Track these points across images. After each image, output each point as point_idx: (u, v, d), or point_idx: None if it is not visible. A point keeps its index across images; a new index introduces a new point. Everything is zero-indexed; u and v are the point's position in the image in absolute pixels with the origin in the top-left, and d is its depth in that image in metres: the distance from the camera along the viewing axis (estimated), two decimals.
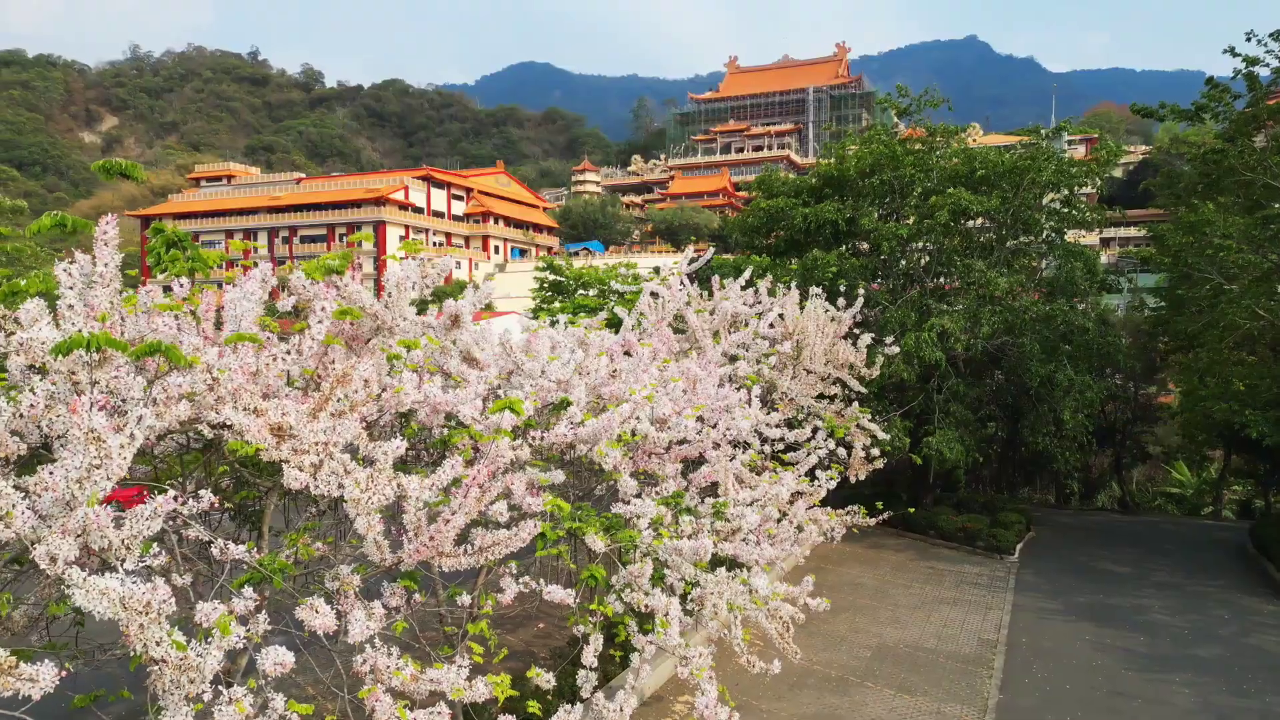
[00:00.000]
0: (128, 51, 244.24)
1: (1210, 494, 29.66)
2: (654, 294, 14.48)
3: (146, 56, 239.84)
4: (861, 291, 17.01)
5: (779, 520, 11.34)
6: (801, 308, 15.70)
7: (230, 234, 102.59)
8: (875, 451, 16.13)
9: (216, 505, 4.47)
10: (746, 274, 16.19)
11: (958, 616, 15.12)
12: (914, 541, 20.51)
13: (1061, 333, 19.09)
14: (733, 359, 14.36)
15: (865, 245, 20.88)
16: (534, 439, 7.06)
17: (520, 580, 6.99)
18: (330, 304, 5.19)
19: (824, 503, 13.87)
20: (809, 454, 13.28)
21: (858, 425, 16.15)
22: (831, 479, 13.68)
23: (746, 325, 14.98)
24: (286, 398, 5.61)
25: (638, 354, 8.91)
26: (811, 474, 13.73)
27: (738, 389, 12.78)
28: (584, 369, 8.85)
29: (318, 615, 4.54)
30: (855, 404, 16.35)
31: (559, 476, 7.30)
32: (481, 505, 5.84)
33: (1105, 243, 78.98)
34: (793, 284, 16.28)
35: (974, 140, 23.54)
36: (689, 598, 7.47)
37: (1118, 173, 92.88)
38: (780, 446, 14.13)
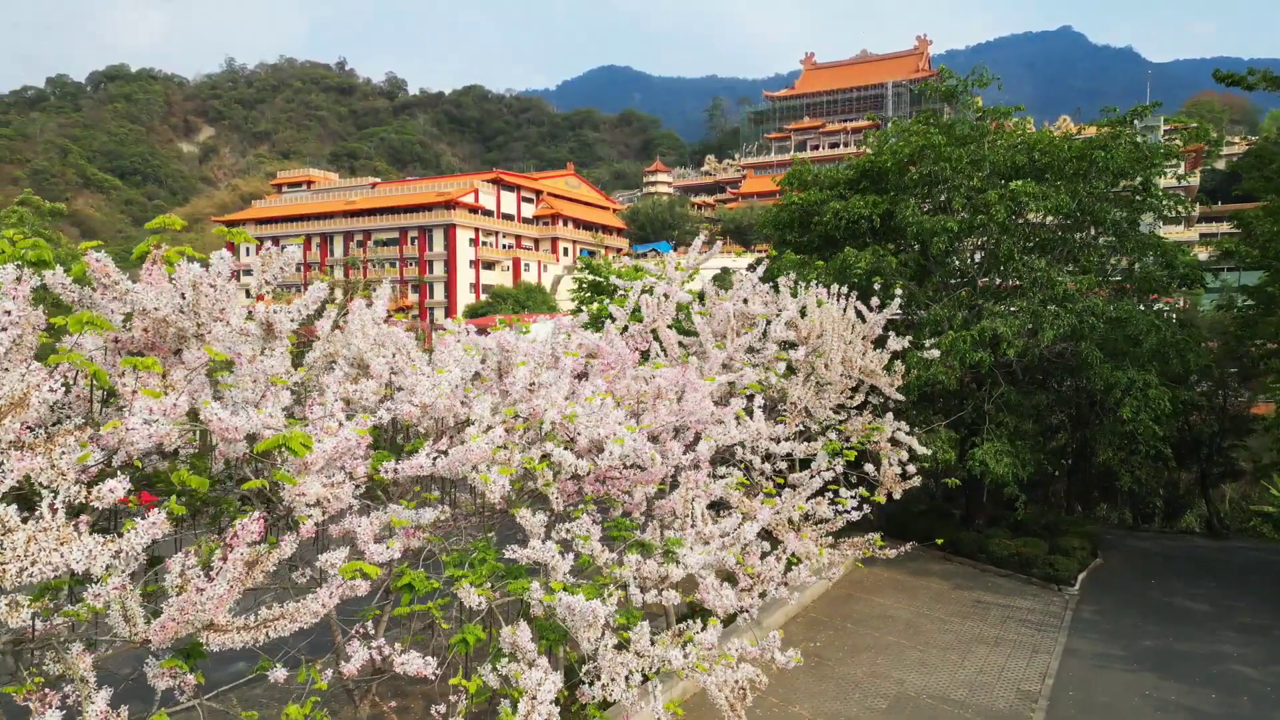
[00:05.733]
0: (224, 64, 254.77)
1: None
2: (649, 290, 13.04)
3: (241, 69, 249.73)
4: (899, 291, 15.22)
5: (764, 556, 9.83)
6: (821, 305, 14.10)
7: (309, 238, 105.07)
8: (912, 469, 14.39)
9: None
10: (759, 270, 14.68)
11: (997, 660, 13.25)
12: (961, 567, 18.52)
13: (1130, 336, 16.79)
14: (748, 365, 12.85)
15: (916, 245, 18.91)
16: (386, 471, 5.79)
17: (373, 645, 5.74)
18: (20, 305, 4.03)
19: (857, 523, 12.35)
20: (813, 476, 11.71)
21: (890, 439, 14.46)
22: (843, 504, 12.12)
23: (756, 327, 13.44)
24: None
25: (563, 364, 7.55)
26: (834, 495, 12.23)
27: (737, 397, 11.34)
28: (504, 382, 7.56)
29: None
30: (889, 414, 14.63)
31: (428, 515, 6.02)
32: (267, 566, 4.62)
33: (1205, 239, 73.66)
34: (815, 282, 14.69)
35: (1054, 130, 21.36)
36: (583, 670, 6.10)
37: (1220, 164, 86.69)
38: (783, 465, 12.61)
